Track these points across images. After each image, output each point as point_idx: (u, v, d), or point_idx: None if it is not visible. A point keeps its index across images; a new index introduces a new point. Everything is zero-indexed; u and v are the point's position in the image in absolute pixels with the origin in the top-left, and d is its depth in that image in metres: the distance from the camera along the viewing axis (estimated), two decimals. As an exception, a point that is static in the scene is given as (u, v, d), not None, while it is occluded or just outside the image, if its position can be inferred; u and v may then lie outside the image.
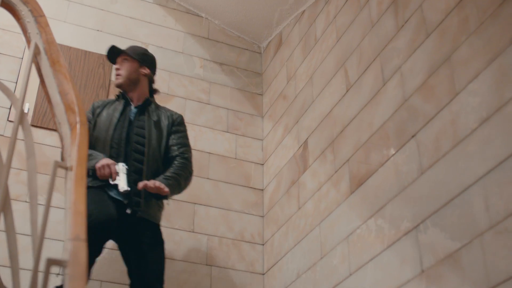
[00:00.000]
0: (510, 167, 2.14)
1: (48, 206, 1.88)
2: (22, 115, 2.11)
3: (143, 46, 4.34)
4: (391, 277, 2.65)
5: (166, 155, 3.24)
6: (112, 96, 4.11)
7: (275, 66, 4.49)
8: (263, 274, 3.86)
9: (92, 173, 3.02)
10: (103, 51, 4.22)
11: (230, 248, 3.87)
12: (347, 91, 3.39)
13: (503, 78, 2.27)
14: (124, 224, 3.00)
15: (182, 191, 3.26)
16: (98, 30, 4.32)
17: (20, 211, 3.38)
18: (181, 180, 3.16)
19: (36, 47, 2.39)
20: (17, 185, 3.49)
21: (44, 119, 3.83)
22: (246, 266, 3.85)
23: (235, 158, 4.23)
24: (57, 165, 1.99)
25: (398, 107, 2.89)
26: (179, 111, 4.23)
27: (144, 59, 3.39)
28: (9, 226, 1.96)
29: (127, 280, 3.51)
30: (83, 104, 3.88)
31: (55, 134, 3.57)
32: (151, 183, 2.99)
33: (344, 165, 3.24)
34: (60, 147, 2.42)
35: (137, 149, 3.15)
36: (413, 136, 2.72)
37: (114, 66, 3.40)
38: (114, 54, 3.39)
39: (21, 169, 3.51)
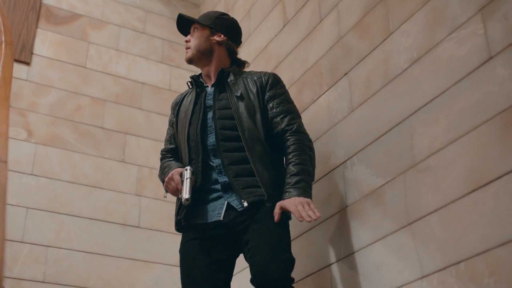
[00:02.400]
0: (436, 108, 2.19)
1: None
2: None
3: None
4: (317, 211, 2.71)
5: (271, 131, 2.52)
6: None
7: (214, -2, 4.42)
8: (193, 206, 3.89)
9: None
10: (34, -29, 4.04)
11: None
12: (283, 26, 3.37)
13: (435, 20, 2.30)
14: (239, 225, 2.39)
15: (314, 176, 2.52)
16: (29, -51, 4.13)
17: None
18: (309, 167, 2.43)
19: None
20: None
21: (-30, 39, 3.67)
22: (175, 197, 3.86)
23: (169, 90, 4.18)
24: (-21, 85, 1.91)
25: (333, 45, 2.90)
26: (112, 39, 4.15)
27: (217, 24, 2.70)
28: None
29: (54, 208, 3.48)
30: (11, 25, 3.74)
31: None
32: (296, 211, 2.27)
33: (277, 100, 3.25)
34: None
35: (227, 136, 2.47)
36: (345, 74, 2.74)
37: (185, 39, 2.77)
38: (184, 25, 2.77)
39: None
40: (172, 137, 2.73)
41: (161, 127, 4.03)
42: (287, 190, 2.34)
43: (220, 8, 4.26)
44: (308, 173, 2.41)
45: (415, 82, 2.33)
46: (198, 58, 2.68)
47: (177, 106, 2.74)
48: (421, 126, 2.25)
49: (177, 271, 3.65)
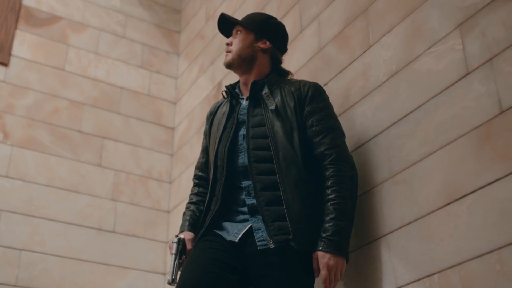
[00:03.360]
0: (413, 121, 2.22)
1: None
2: None
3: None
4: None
5: (310, 152, 2.25)
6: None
7: (195, 4, 4.42)
8: (169, 212, 3.88)
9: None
10: (15, -28, 4.02)
11: (137, 184, 3.86)
12: (264, 35, 3.38)
13: (414, 34, 2.33)
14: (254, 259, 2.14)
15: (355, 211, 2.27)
16: (10, -50, 4.10)
17: None
18: (349, 205, 2.17)
19: None
20: None
21: None
22: (152, 203, 3.86)
23: (148, 95, 4.17)
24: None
25: (313, 55, 2.92)
26: (92, 43, 4.13)
27: (262, 29, 2.46)
28: None
29: (29, 211, 3.45)
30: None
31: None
32: (325, 279, 2.06)
33: (256, 109, 3.26)
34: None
35: (260, 158, 2.22)
36: (325, 85, 2.76)
37: (226, 42, 2.51)
38: (227, 25, 2.53)
39: None
40: (205, 150, 2.55)
41: (139, 132, 4.02)
42: (323, 239, 2.08)
43: (201, 15, 4.27)
44: (348, 215, 2.15)
45: (393, 95, 2.36)
46: (238, 64, 2.43)
47: (211, 116, 2.53)
48: (398, 138, 2.28)
49: (152, 277, 3.65)
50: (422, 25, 2.31)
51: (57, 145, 3.70)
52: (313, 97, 2.31)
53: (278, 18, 3.28)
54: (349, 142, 2.51)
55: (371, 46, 2.55)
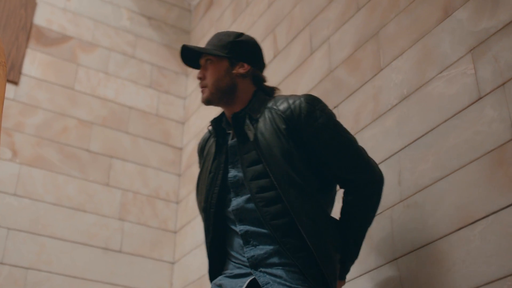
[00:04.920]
0: (424, 145, 2.22)
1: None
2: None
3: None
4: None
5: (325, 176, 2.02)
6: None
7: (204, 25, 4.45)
8: (175, 232, 3.87)
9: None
10: (27, -8, 4.05)
11: (144, 204, 3.85)
12: (274, 57, 3.40)
13: (426, 58, 2.34)
14: None
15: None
16: (22, -30, 4.14)
17: None
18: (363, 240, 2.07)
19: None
20: None
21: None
22: (158, 223, 3.85)
23: (156, 115, 4.18)
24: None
25: (323, 78, 2.93)
26: (102, 62, 4.15)
27: (235, 52, 2.11)
28: None
29: (36, 229, 3.44)
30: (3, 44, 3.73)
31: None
32: None
33: (265, 130, 3.26)
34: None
35: (267, 200, 1.92)
36: (335, 107, 2.77)
37: (197, 76, 2.16)
38: (192, 56, 2.17)
39: None
40: None
41: (147, 152, 4.02)
42: (346, 270, 2.05)
43: (210, 35, 4.25)
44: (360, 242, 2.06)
45: (404, 119, 2.36)
46: (218, 98, 2.10)
47: (202, 153, 2.25)
48: (409, 162, 2.28)
49: (157, 298, 3.63)
50: (433, 49, 2.32)
51: (65, 164, 3.71)
52: (310, 114, 1.98)
53: (289, 40, 3.30)
54: (359, 165, 2.51)
55: (382, 70, 2.56)
